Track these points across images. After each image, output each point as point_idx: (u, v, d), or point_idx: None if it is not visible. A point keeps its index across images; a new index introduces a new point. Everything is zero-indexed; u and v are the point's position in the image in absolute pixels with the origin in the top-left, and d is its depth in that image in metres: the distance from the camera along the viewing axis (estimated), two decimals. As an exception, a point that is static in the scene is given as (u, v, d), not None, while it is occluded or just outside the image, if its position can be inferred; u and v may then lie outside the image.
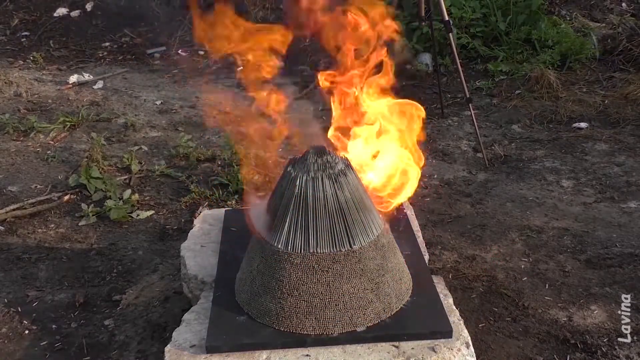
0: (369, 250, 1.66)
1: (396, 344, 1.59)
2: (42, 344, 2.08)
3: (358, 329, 1.62)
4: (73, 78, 4.51)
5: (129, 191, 2.96)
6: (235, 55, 1.92)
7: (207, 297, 1.81)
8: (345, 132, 1.97)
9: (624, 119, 3.68)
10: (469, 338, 1.62)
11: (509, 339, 2.04)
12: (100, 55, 5.12)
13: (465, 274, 2.36)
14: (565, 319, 2.12)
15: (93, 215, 2.81)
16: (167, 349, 1.63)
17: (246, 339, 1.61)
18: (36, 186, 3.13)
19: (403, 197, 1.95)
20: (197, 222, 2.25)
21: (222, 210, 2.30)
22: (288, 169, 1.70)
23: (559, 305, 2.19)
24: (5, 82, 4.34)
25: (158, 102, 4.17)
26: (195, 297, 1.91)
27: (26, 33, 5.50)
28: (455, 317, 1.69)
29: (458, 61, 3.34)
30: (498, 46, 4.60)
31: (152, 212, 2.88)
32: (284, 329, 1.63)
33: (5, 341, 2.10)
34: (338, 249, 1.62)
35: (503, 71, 4.36)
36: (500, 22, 4.61)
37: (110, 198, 2.89)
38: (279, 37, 1.90)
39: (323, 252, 1.62)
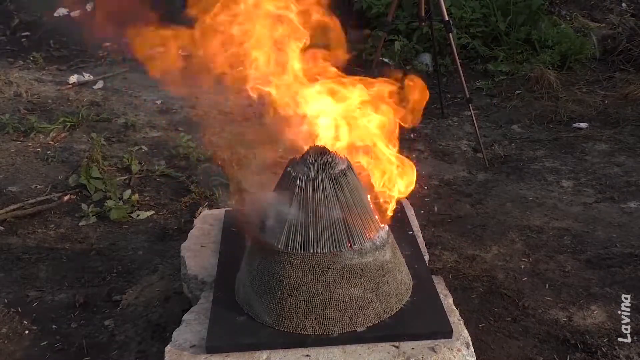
0: (369, 250, 1.66)
1: (396, 344, 1.59)
2: (42, 344, 2.08)
3: (358, 329, 1.62)
4: (73, 78, 4.51)
5: (129, 191, 2.96)
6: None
7: (207, 297, 1.81)
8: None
9: (624, 119, 3.68)
10: (469, 338, 1.62)
11: (509, 339, 2.04)
12: (100, 55, 5.12)
13: (465, 274, 2.36)
14: (565, 319, 2.12)
15: (93, 216, 2.81)
16: (167, 349, 1.63)
17: (246, 339, 1.61)
18: (36, 186, 3.13)
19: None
20: (197, 222, 2.25)
21: (222, 210, 2.30)
22: (288, 169, 1.70)
23: (559, 305, 2.19)
24: (5, 82, 4.34)
25: (158, 102, 4.17)
26: (195, 297, 1.91)
27: (26, 33, 5.50)
28: (455, 317, 1.69)
29: (458, 61, 3.34)
30: (498, 46, 4.60)
31: (152, 212, 2.88)
32: (284, 329, 1.63)
33: (5, 341, 2.09)
34: (338, 249, 1.62)
35: (503, 71, 4.36)
36: (500, 22, 4.61)
37: (110, 198, 2.89)
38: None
39: (323, 252, 1.62)
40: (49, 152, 3.46)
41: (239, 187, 2.96)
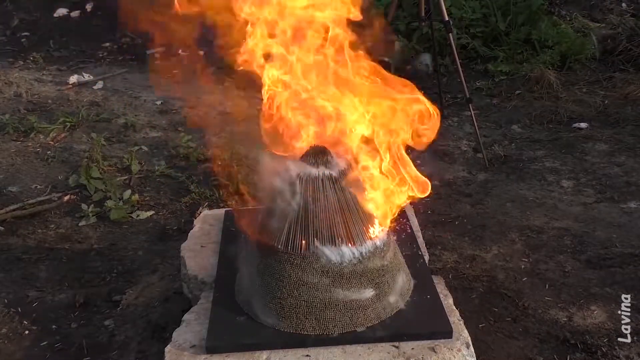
0: (370, 250, 1.66)
1: (396, 344, 1.59)
2: (42, 344, 2.08)
3: (358, 329, 1.62)
4: (73, 78, 4.51)
5: (129, 191, 2.96)
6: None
7: (207, 297, 1.81)
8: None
9: (624, 119, 3.68)
10: (469, 338, 1.62)
11: (509, 339, 2.04)
12: (100, 55, 5.12)
13: (465, 274, 2.36)
14: (565, 319, 2.12)
15: (93, 216, 2.81)
16: (167, 349, 1.63)
17: (246, 339, 1.61)
18: (36, 186, 3.13)
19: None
20: (197, 222, 2.25)
21: (222, 210, 2.30)
22: (288, 169, 1.69)
23: (559, 305, 2.19)
24: (5, 82, 4.34)
25: (158, 102, 4.17)
26: (195, 297, 1.91)
27: (26, 33, 5.50)
28: (455, 317, 1.69)
29: (458, 61, 3.34)
30: (498, 46, 4.60)
31: (152, 212, 2.88)
32: (284, 329, 1.63)
33: (6, 341, 2.09)
34: (338, 249, 1.62)
35: (503, 71, 4.36)
36: (500, 22, 4.61)
37: (110, 198, 2.89)
38: None
39: (324, 252, 1.62)
40: (49, 152, 3.46)
41: (239, 187, 2.96)
